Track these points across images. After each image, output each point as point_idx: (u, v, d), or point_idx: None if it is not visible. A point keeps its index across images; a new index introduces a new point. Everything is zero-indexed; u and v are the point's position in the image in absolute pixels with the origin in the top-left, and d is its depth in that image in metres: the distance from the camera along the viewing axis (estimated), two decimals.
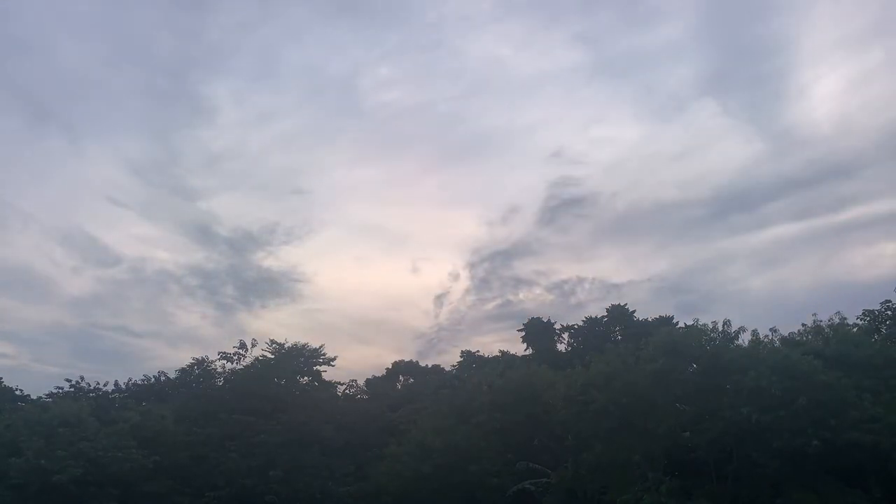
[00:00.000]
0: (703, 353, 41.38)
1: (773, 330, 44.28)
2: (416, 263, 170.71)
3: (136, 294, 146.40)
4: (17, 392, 73.99)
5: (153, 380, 79.44)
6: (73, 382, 70.59)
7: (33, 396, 71.87)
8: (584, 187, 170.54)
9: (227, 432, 57.99)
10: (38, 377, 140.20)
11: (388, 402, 71.15)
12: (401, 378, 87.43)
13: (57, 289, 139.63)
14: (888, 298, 49.56)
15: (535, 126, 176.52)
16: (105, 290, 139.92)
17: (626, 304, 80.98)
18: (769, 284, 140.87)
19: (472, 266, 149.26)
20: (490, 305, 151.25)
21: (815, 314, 45.41)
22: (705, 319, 45.02)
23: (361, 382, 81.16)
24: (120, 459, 50.99)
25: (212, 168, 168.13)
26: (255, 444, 56.77)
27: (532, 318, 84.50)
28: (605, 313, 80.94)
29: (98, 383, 72.43)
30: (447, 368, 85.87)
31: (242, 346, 69.91)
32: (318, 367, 72.82)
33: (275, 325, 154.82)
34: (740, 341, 42.67)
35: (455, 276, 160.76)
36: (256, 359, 68.96)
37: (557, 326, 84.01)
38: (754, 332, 43.06)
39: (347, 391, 76.73)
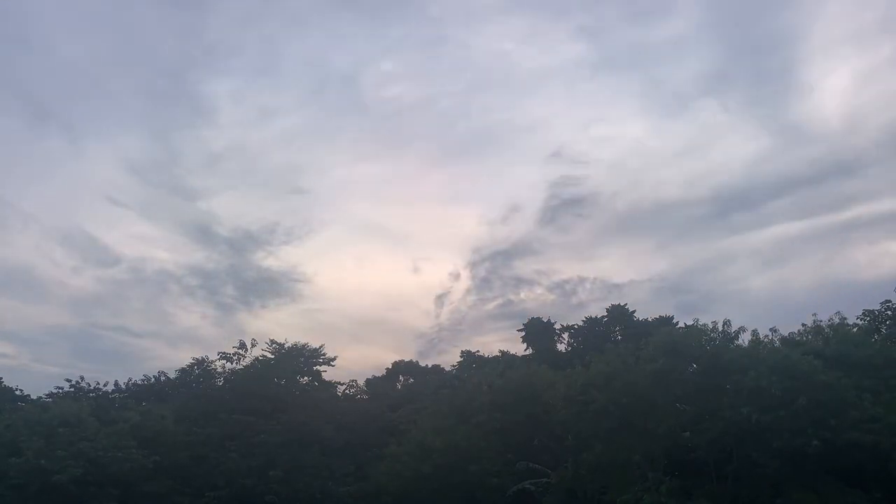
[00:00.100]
0: (703, 353, 41.38)
1: (773, 330, 44.42)
2: (417, 263, 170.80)
3: (136, 294, 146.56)
4: (17, 392, 73.99)
5: (153, 380, 79.49)
6: (73, 382, 70.66)
7: (33, 396, 71.97)
8: (586, 187, 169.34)
9: (227, 432, 58.00)
10: (38, 377, 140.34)
11: (388, 402, 71.15)
12: (401, 378, 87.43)
13: (57, 289, 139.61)
14: (888, 298, 49.69)
15: (536, 124, 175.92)
16: (105, 290, 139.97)
17: (626, 304, 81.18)
18: (771, 284, 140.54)
19: (472, 265, 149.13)
20: (491, 305, 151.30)
21: (815, 314, 45.58)
22: (706, 319, 45.03)
23: (361, 382, 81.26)
24: (120, 459, 50.98)
25: (212, 168, 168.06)
26: (255, 444, 56.78)
27: (532, 318, 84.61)
28: (605, 313, 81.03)
29: (98, 383, 72.57)
30: (447, 368, 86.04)
31: (242, 346, 69.96)
32: (318, 367, 72.88)
33: (275, 325, 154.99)
34: (740, 341, 42.75)
35: (456, 276, 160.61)
36: (256, 359, 68.99)
37: (557, 326, 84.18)
38: (754, 332, 43.16)
39: (347, 391, 76.77)
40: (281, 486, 54.43)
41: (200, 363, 77.07)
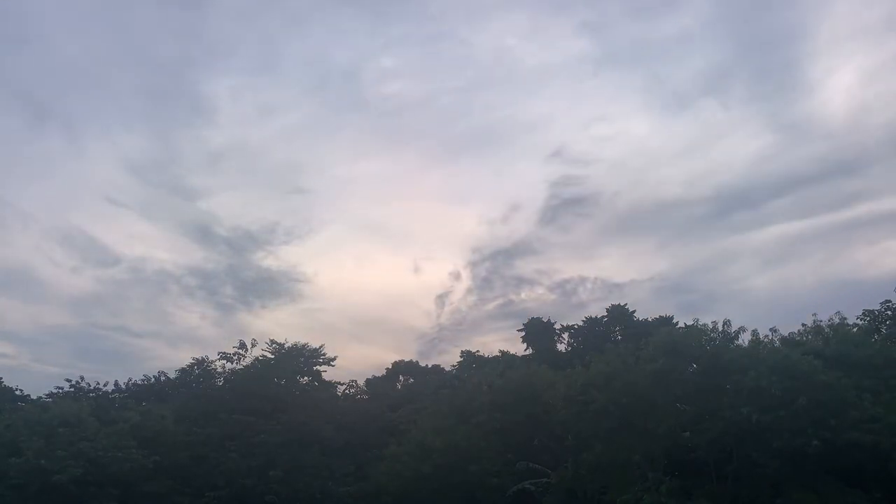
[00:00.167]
0: (703, 353, 41.40)
1: (773, 330, 44.48)
2: (417, 262, 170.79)
3: (136, 294, 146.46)
4: (17, 392, 73.99)
5: (153, 380, 79.48)
6: (73, 382, 70.65)
7: (33, 396, 71.97)
8: (587, 186, 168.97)
9: (227, 432, 58.00)
10: (38, 377, 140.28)
11: (388, 402, 71.14)
12: (401, 378, 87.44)
13: (57, 289, 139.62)
14: (888, 298, 49.70)
15: (538, 122, 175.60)
16: (105, 290, 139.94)
17: (626, 304, 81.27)
18: (772, 283, 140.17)
19: (473, 265, 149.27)
20: (491, 305, 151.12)
21: (815, 314, 45.61)
22: (708, 319, 45.23)
23: (361, 382, 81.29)
24: (120, 459, 50.98)
25: (211, 167, 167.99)
26: (255, 444, 56.78)
27: (532, 318, 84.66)
28: (606, 313, 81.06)
29: (98, 383, 72.56)
30: (447, 368, 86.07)
31: (242, 346, 69.94)
32: (318, 367, 72.91)
33: (275, 325, 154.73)
34: (740, 341, 42.79)
35: (456, 276, 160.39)
36: (256, 359, 69.00)
37: (557, 326, 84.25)
38: (754, 332, 43.21)
39: (347, 391, 76.77)
40: (281, 486, 54.43)
41: (200, 363, 77.09)
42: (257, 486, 54.46)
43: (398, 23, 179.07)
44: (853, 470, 37.10)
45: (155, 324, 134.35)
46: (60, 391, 70.21)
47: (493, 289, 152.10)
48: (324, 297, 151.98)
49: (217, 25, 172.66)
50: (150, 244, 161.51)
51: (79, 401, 61.81)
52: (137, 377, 79.46)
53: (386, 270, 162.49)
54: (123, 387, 77.05)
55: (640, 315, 78.95)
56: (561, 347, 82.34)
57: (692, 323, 44.95)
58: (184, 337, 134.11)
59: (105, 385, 73.41)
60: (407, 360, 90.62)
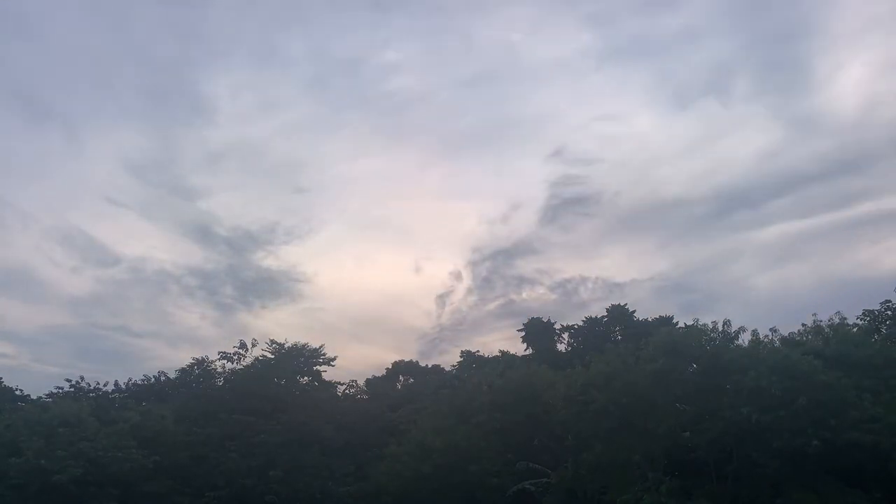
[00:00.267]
0: (703, 353, 41.40)
1: (773, 330, 44.48)
2: (418, 262, 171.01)
3: (136, 294, 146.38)
4: (17, 392, 73.99)
5: (153, 380, 79.49)
6: (73, 382, 70.69)
7: (33, 396, 71.97)
8: (588, 185, 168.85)
9: (227, 432, 58.00)
10: (38, 377, 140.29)
11: (388, 402, 71.14)
12: (401, 378, 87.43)
13: (57, 289, 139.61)
14: (888, 298, 49.70)
15: (539, 119, 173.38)
16: (105, 290, 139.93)
17: (626, 304, 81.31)
18: (773, 283, 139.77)
19: (474, 265, 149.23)
20: (492, 305, 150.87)
21: (815, 314, 45.62)
22: (709, 319, 45.06)
23: (361, 382, 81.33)
24: (120, 459, 50.99)
25: (211, 166, 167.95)
26: (255, 444, 56.79)
27: (532, 317, 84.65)
28: (606, 313, 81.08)
29: (98, 383, 72.61)
30: (447, 368, 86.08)
31: (242, 346, 70.05)
32: (318, 367, 72.98)
33: (275, 325, 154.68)
34: (740, 341, 42.78)
35: (457, 275, 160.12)
36: (256, 359, 69.09)
37: (557, 326, 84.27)
38: (754, 332, 43.20)
39: (347, 391, 76.85)
40: (281, 486, 54.43)
41: (200, 363, 77.11)
42: (257, 486, 54.47)
43: (400, 16, 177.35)
44: (853, 470, 37.10)
45: (155, 324, 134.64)
46: (60, 391, 70.23)
47: (494, 288, 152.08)
48: (324, 297, 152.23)
49: (217, 21, 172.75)
50: (150, 244, 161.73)
51: (79, 401, 61.82)
52: (137, 377, 79.68)
53: (386, 270, 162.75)
54: (123, 387, 77.10)
55: (640, 315, 79.14)
56: (561, 347, 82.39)
57: (692, 323, 45.01)
58: (184, 337, 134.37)
59: (105, 385, 73.62)
60: (407, 360, 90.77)
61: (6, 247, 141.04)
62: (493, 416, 50.80)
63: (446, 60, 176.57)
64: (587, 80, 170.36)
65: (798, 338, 44.78)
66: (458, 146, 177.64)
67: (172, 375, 79.00)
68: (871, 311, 49.46)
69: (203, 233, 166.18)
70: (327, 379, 73.35)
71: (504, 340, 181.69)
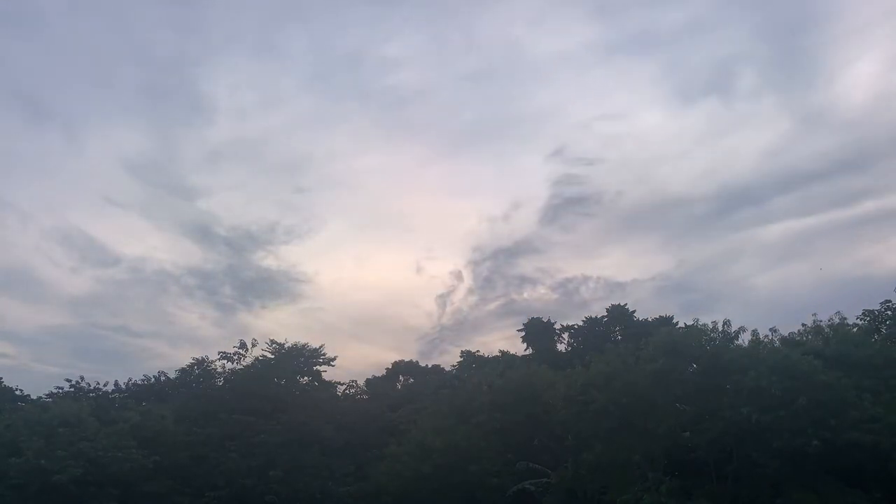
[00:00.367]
0: (703, 353, 41.40)
1: (773, 330, 44.47)
2: (419, 262, 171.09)
3: (136, 294, 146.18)
4: (17, 392, 74.01)
5: (153, 380, 79.50)
6: (73, 382, 70.69)
7: (33, 396, 71.99)
8: (589, 185, 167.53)
9: (227, 432, 58.01)
10: (38, 377, 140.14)
11: (388, 402, 71.16)
12: (401, 378, 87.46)
13: (57, 289, 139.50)
14: (888, 298, 49.68)
15: (541, 116, 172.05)
16: (105, 290, 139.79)
17: (626, 304, 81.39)
18: (775, 282, 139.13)
19: (474, 264, 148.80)
20: (493, 305, 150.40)
21: (815, 314, 45.64)
22: (711, 318, 45.07)
23: (361, 382, 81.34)
24: (120, 459, 50.99)
25: (211, 165, 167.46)
26: (255, 444, 56.80)
27: (532, 317, 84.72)
28: (606, 313, 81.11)
29: (98, 383, 72.60)
30: (447, 368, 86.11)
31: (242, 346, 70.05)
32: (318, 367, 72.98)
33: (275, 325, 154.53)
34: (740, 341, 42.78)
35: (457, 275, 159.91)
36: (256, 359, 69.09)
37: (557, 326, 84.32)
38: (754, 332, 43.20)
39: (347, 391, 76.80)
40: (281, 486, 54.44)
41: (200, 363, 77.13)
42: (257, 486, 54.47)
43: (401, 9, 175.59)
44: (853, 470, 37.10)
45: (155, 324, 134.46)
46: (60, 391, 70.24)
47: (495, 288, 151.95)
48: (324, 297, 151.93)
49: (216, 17, 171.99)
50: (150, 244, 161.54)
51: (79, 401, 61.82)
52: (137, 377, 79.68)
53: (387, 270, 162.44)
54: (123, 387, 77.11)
55: (641, 315, 79.23)
56: (561, 347, 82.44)
57: (692, 323, 45.01)
58: (184, 337, 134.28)
59: (105, 385, 73.62)
60: (407, 360, 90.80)
61: (6, 247, 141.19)
62: (493, 416, 50.80)
63: (448, 55, 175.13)
64: (591, 76, 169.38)
65: (798, 338, 44.79)
66: (459, 143, 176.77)
67: (172, 375, 79.12)
68: (871, 311, 49.42)
69: (203, 233, 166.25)
70: (327, 379, 73.48)
71: (504, 340, 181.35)
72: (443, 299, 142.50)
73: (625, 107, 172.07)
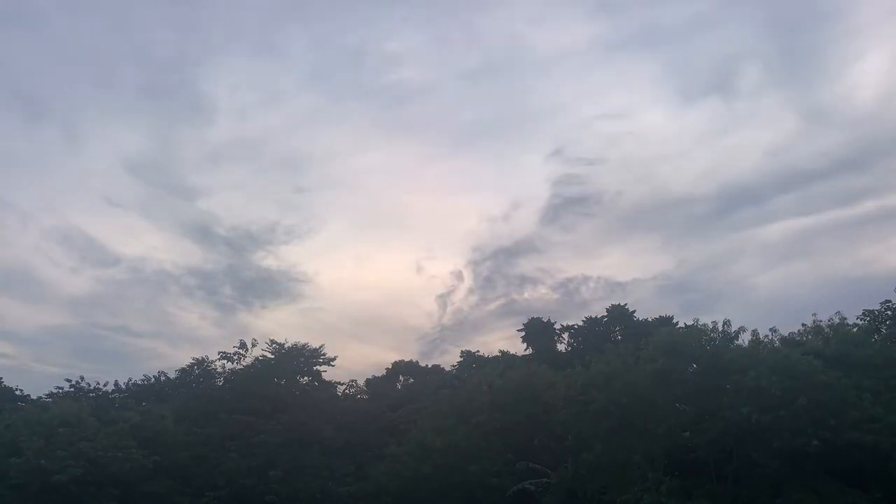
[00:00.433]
0: (703, 353, 41.39)
1: (773, 330, 44.43)
2: (419, 262, 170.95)
3: (136, 294, 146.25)
4: (17, 392, 74.03)
5: (153, 380, 79.52)
6: (73, 382, 70.71)
7: (33, 396, 72.01)
8: (590, 185, 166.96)
9: (227, 432, 58.01)
10: (38, 377, 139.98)
11: (388, 402, 71.16)
12: (401, 378, 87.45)
13: (57, 289, 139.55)
14: (888, 298, 49.70)
15: (543, 115, 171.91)
16: (105, 290, 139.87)
17: (626, 304, 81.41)
18: (776, 282, 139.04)
19: (475, 264, 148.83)
20: (494, 305, 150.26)
21: (815, 314, 45.59)
22: (711, 318, 45.04)
23: (361, 382, 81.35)
24: (120, 459, 51.00)
25: (211, 165, 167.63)
26: (255, 444, 56.80)
27: (532, 317, 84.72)
28: (606, 313, 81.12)
29: (98, 383, 72.62)
30: (447, 368, 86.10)
31: (242, 346, 70.05)
32: (318, 367, 72.99)
33: (275, 325, 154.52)
34: (740, 341, 42.75)
35: (458, 275, 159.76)
36: (256, 359, 69.09)
37: (557, 326, 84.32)
38: (754, 332, 43.17)
39: (347, 391, 76.82)
40: (281, 486, 54.44)
41: (200, 363, 77.14)
42: (257, 486, 54.48)
43: (402, 6, 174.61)
44: (853, 470, 37.09)
45: (155, 324, 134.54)
46: (60, 391, 70.25)
47: (496, 288, 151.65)
48: (324, 297, 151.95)
49: (215, 16, 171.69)
50: (150, 244, 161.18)
51: (79, 401, 61.83)
52: (137, 377, 79.71)
53: (387, 270, 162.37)
54: (123, 387, 77.13)
55: (641, 315, 79.25)
56: (561, 347, 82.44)
57: (692, 323, 45.01)
58: (184, 337, 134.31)
59: (105, 385, 73.64)
60: (407, 360, 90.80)
61: (6, 247, 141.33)
62: (493, 416, 50.80)
63: (448, 54, 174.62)
64: (593, 74, 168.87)
65: (798, 338, 44.76)
66: (459, 142, 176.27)
67: (172, 375, 79.14)
68: (871, 311, 49.46)
69: (203, 233, 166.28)
70: (327, 379, 73.48)
71: (504, 340, 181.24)
72: (443, 299, 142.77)
73: (626, 106, 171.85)
